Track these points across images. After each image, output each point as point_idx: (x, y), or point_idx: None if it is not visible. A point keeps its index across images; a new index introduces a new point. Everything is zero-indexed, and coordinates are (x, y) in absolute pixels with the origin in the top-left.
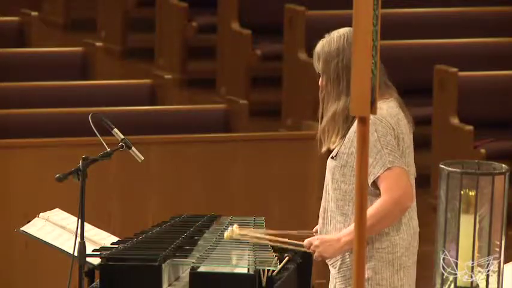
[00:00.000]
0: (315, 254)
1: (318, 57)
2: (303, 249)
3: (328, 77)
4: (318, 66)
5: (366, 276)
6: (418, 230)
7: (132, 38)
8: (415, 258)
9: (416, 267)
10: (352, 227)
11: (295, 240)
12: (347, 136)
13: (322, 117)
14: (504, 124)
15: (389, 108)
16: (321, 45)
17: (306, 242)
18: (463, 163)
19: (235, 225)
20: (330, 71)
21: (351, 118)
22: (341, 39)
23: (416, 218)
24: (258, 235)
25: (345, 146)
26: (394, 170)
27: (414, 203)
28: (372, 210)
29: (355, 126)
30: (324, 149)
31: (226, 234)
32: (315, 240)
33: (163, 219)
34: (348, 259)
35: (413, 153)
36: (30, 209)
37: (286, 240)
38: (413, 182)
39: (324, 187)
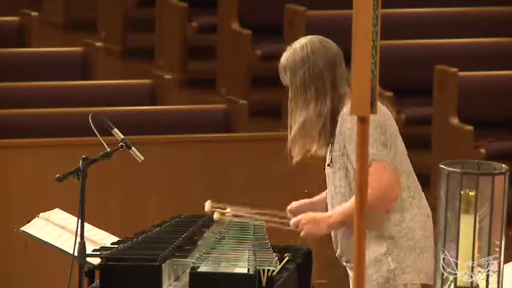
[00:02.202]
0: (303, 232)
1: (284, 69)
2: (288, 227)
3: (296, 88)
4: (285, 78)
5: (392, 267)
6: (430, 211)
7: (132, 38)
8: (432, 240)
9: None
10: (345, 205)
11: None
12: (335, 141)
13: (291, 129)
14: (504, 124)
15: None
16: (285, 58)
17: (293, 221)
18: (463, 163)
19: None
20: (297, 82)
21: (329, 124)
22: (304, 50)
23: (424, 198)
24: (247, 214)
25: (335, 150)
26: (376, 164)
27: (419, 187)
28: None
29: (338, 127)
30: (295, 159)
31: (215, 215)
32: (302, 218)
33: (163, 219)
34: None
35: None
36: (30, 209)
37: (274, 219)
38: (408, 165)
39: (328, 195)
